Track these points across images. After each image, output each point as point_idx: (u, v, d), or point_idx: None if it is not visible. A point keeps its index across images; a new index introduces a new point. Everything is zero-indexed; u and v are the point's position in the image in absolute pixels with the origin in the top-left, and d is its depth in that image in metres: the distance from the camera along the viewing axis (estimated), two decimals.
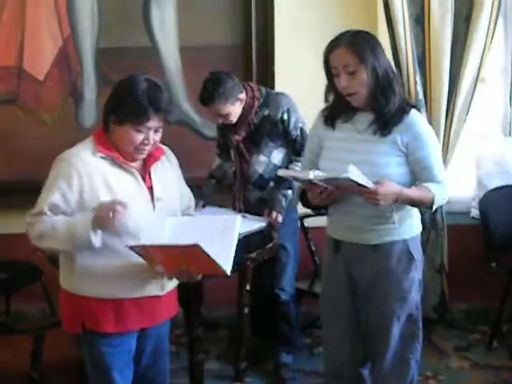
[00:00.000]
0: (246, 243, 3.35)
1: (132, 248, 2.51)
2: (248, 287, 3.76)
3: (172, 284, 2.77)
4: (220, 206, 3.89)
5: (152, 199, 2.67)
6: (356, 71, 2.75)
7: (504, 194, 4.43)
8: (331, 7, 4.35)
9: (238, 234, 2.67)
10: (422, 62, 4.19)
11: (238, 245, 2.62)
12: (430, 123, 4.13)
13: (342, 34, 2.82)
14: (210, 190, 4.05)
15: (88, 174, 2.56)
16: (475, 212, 4.60)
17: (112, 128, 2.61)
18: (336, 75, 2.79)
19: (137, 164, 2.69)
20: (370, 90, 2.78)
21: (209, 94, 3.64)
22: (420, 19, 4.15)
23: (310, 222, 4.30)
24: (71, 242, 2.51)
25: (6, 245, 4.28)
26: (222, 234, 2.60)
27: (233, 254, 2.55)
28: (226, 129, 3.90)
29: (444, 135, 4.29)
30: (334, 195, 2.76)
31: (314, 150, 3.02)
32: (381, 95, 2.79)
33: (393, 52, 4.14)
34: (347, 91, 2.79)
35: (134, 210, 2.54)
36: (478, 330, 4.55)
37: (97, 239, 2.50)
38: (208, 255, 2.41)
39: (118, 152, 2.63)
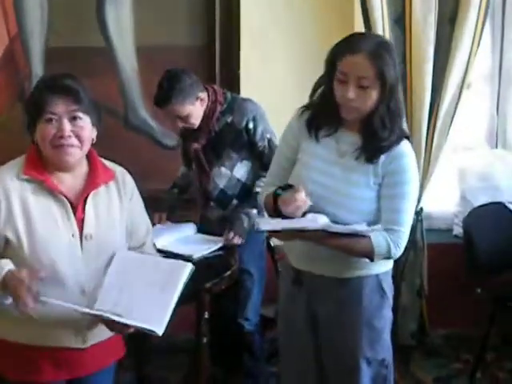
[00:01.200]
0: (205, 267, 3.11)
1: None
2: (206, 315, 3.38)
3: (99, 336, 2.39)
4: (187, 220, 3.69)
5: (80, 236, 2.30)
6: (369, 86, 2.40)
7: (490, 212, 4.13)
8: (303, 6, 4.07)
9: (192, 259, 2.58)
10: (403, 66, 3.89)
11: (195, 270, 2.34)
12: (410, 132, 3.89)
13: (361, 37, 2.53)
14: (172, 201, 3.79)
15: (6, 199, 2.23)
16: (458, 230, 4.35)
17: (36, 140, 2.30)
18: (342, 82, 2.42)
19: (72, 189, 2.32)
20: (373, 110, 2.44)
21: (165, 93, 3.34)
22: (400, 20, 3.89)
23: (276, 241, 3.92)
24: None
25: None
26: (165, 283, 2.29)
27: (171, 308, 2.23)
28: (187, 134, 3.60)
29: (426, 145, 4.05)
30: None
31: (282, 162, 2.71)
32: (384, 120, 2.45)
33: None
34: (350, 104, 2.43)
35: (54, 248, 2.24)
36: (460, 358, 4.28)
37: (8, 300, 2.18)
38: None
39: (48, 173, 2.29)
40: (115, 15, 4.19)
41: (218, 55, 4.11)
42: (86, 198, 2.32)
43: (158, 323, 2.17)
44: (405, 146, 2.51)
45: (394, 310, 3.79)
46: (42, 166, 2.30)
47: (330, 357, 2.66)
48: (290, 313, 2.74)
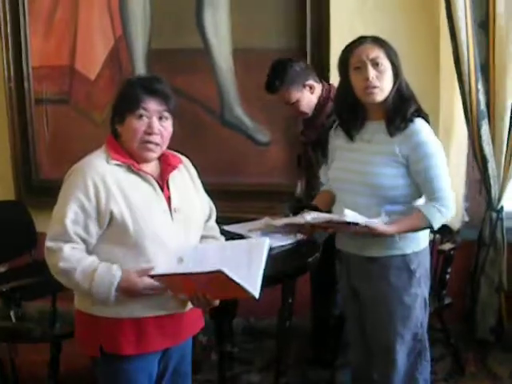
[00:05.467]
0: (288, 254, 3.29)
1: (154, 277, 2.39)
2: (290, 300, 3.58)
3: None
4: None
5: (170, 210, 2.53)
6: (383, 64, 2.69)
7: None
8: (391, 11, 4.15)
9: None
10: (486, 69, 3.99)
11: (280, 255, 2.70)
12: (492, 134, 3.98)
13: (361, 37, 2.78)
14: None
15: (103, 183, 2.43)
16: None
17: (119, 132, 2.52)
18: (357, 68, 2.72)
19: (154, 172, 2.57)
20: (391, 93, 2.73)
21: (270, 80, 3.48)
22: (484, 24, 3.94)
23: None
24: (89, 293, 2.41)
25: None
26: (249, 260, 2.46)
27: (260, 278, 2.40)
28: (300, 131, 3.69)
29: (507, 146, 4.08)
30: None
31: (329, 160, 3.05)
32: (403, 100, 2.73)
33: (455, 60, 3.94)
34: (373, 83, 2.70)
35: (153, 219, 2.46)
36: None
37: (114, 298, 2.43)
38: (233, 280, 2.29)
39: (133, 159, 2.52)
40: (213, 19, 4.37)
41: (309, 57, 4.18)
42: (167, 179, 2.57)
43: (253, 288, 2.33)
44: (417, 124, 2.74)
45: (472, 302, 3.92)
46: (125, 152, 2.51)
47: (370, 329, 2.92)
48: (341, 285, 3.07)
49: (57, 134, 4.79)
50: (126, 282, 2.40)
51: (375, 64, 2.68)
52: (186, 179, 2.67)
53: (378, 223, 2.65)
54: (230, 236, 3.34)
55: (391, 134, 2.73)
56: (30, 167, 4.88)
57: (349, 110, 2.83)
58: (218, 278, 2.28)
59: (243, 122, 4.48)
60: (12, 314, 4.04)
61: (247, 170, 4.48)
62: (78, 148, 4.46)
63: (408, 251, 2.81)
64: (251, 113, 4.44)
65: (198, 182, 2.74)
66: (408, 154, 2.72)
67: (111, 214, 2.42)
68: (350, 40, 3.96)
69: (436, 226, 2.75)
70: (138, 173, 2.50)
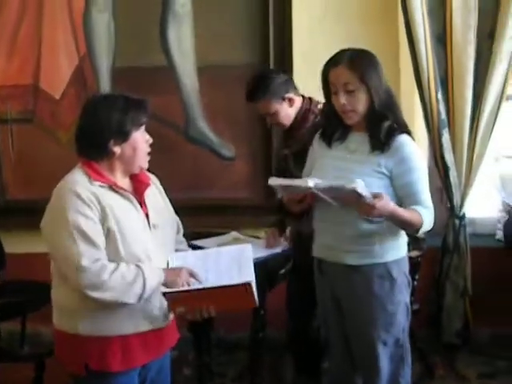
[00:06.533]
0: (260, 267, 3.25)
1: (165, 294, 2.47)
2: (262, 312, 3.58)
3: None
4: None
5: (149, 226, 2.59)
6: (355, 90, 2.77)
7: None
8: (351, 26, 4.24)
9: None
10: (445, 79, 4.10)
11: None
12: (453, 142, 4.08)
13: (342, 52, 2.83)
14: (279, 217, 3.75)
15: (96, 200, 2.45)
16: (501, 234, 4.50)
17: (119, 152, 2.51)
18: (334, 93, 2.81)
19: (129, 190, 2.60)
20: (367, 110, 2.80)
21: (250, 90, 3.50)
22: (442, 37, 4.05)
23: None
24: (135, 295, 2.44)
25: (25, 264, 4.21)
26: (239, 266, 2.57)
27: (253, 273, 2.50)
28: (282, 141, 3.71)
29: (467, 154, 4.19)
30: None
31: (306, 170, 3.07)
32: (378, 116, 2.80)
33: (414, 70, 4.06)
34: (344, 109, 2.80)
35: (139, 236, 2.51)
36: (505, 356, 4.35)
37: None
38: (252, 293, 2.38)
39: (113, 177, 2.55)
40: (177, 36, 4.41)
41: None
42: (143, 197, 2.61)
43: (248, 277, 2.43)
44: (403, 137, 2.82)
45: (438, 307, 4.00)
46: (104, 173, 2.52)
47: (353, 336, 2.96)
48: (320, 295, 3.08)
49: (22, 153, 4.73)
50: (173, 277, 2.51)
51: (347, 90, 2.76)
52: (156, 196, 2.73)
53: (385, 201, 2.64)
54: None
55: (373, 148, 2.81)
56: None
57: (333, 121, 2.90)
58: (236, 291, 2.38)
59: (208, 137, 4.53)
60: None
61: (213, 184, 4.52)
62: (44, 168, 4.53)
63: (389, 259, 2.87)
64: (216, 128, 4.49)
65: (166, 198, 2.80)
66: (392, 167, 2.79)
67: (108, 230, 2.45)
68: (311, 54, 4.09)
69: (421, 231, 2.83)
70: (119, 192, 2.52)
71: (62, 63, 4.56)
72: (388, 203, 2.65)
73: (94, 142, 2.49)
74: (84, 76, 4.58)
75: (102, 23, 4.48)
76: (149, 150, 2.59)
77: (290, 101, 3.53)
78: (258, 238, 3.80)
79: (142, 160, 2.58)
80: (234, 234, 3.84)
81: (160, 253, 2.59)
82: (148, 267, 2.47)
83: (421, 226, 2.79)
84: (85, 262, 2.36)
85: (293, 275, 3.64)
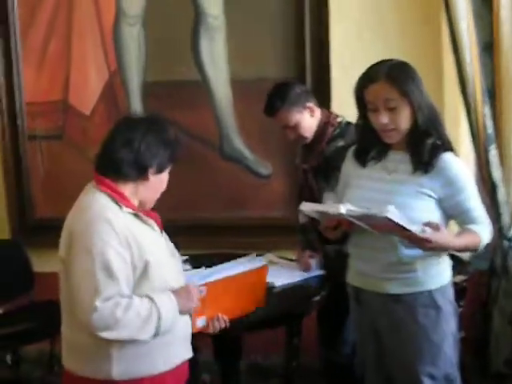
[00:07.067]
0: (293, 293, 3.23)
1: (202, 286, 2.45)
2: (296, 340, 3.41)
3: None
4: None
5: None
6: (397, 107, 2.58)
7: None
8: (392, 37, 4.07)
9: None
10: (492, 91, 3.87)
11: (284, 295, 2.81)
12: (501, 159, 3.87)
13: (376, 65, 2.64)
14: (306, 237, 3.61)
15: (128, 231, 2.29)
16: None
17: (146, 179, 2.38)
18: (373, 110, 2.61)
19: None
20: (411, 126, 2.61)
21: (271, 101, 3.35)
22: (489, 46, 3.84)
23: None
24: (152, 329, 2.27)
25: (49, 283, 4.11)
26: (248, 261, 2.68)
27: None
28: (301, 156, 3.55)
29: None
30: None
31: (340, 188, 2.91)
32: (421, 133, 2.61)
33: (459, 82, 3.83)
34: (387, 128, 2.61)
35: (170, 267, 2.42)
36: None
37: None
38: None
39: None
40: (209, 49, 4.30)
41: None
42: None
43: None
44: (448, 156, 2.63)
45: (485, 334, 3.81)
46: (128, 198, 2.38)
47: (396, 372, 2.76)
48: (357, 327, 2.93)
49: (51, 171, 4.69)
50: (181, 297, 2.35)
51: (388, 107, 2.58)
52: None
53: (439, 232, 2.48)
54: None
55: (416, 169, 2.63)
56: (24, 205, 4.78)
57: (369, 139, 2.73)
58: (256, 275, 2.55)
59: (243, 154, 4.39)
60: (8, 358, 3.95)
61: (248, 203, 4.38)
62: (74, 185, 4.34)
63: (433, 286, 2.68)
64: (251, 145, 4.36)
65: None
66: (438, 189, 2.61)
67: (146, 263, 2.30)
68: (351, 68, 3.91)
69: (483, 245, 2.68)
70: (142, 219, 2.39)
71: (91, 78, 4.51)
72: (446, 236, 2.51)
73: (138, 161, 2.34)
74: (114, 91, 4.51)
75: (133, 37, 4.41)
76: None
77: (312, 111, 3.38)
78: (293, 260, 3.64)
79: (156, 198, 2.47)
80: (269, 256, 3.68)
81: (182, 281, 2.47)
82: (159, 297, 2.30)
83: (479, 246, 2.66)
84: (97, 303, 2.20)
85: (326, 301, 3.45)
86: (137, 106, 4.44)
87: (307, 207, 2.69)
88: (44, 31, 4.53)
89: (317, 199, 3.26)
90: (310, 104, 3.39)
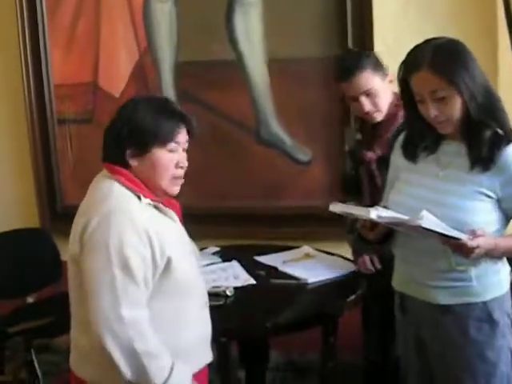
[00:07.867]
0: (329, 290, 3.03)
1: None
2: (332, 339, 3.23)
3: None
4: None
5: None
6: (446, 97, 2.27)
7: None
8: (440, 13, 3.79)
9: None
10: None
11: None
12: None
13: (420, 48, 2.33)
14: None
15: (150, 225, 2.11)
16: None
17: (135, 166, 2.17)
18: (420, 101, 2.33)
19: None
20: (464, 114, 2.29)
21: (351, 61, 2.99)
22: None
23: None
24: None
25: None
26: None
27: None
28: (361, 147, 3.18)
29: None
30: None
31: (390, 180, 2.62)
32: (477, 124, 2.29)
33: None
34: (437, 120, 2.31)
35: (192, 263, 2.25)
36: None
37: None
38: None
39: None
40: (244, 27, 4.10)
41: None
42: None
43: None
44: (510, 150, 2.30)
45: None
46: (147, 188, 2.19)
47: None
48: (401, 336, 2.64)
49: (81, 156, 4.56)
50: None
51: (436, 98, 2.28)
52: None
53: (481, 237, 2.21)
54: (259, 268, 3.17)
55: (474, 165, 2.32)
56: (54, 192, 4.67)
57: (419, 128, 2.43)
58: None
59: (281, 139, 4.16)
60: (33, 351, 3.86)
61: (285, 192, 4.17)
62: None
63: (489, 297, 2.37)
64: (289, 129, 4.12)
65: None
66: (498, 187, 2.31)
67: (168, 260, 2.11)
68: (395, 49, 3.63)
69: None
70: (164, 212, 2.21)
71: (121, 59, 4.35)
72: (487, 240, 2.23)
73: (136, 133, 2.16)
74: (145, 72, 4.34)
75: (164, 14, 4.22)
76: (179, 174, 2.22)
77: (391, 81, 2.98)
78: (331, 254, 3.43)
79: (169, 186, 2.22)
80: (305, 248, 3.49)
81: (201, 277, 2.32)
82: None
83: None
84: (125, 312, 2.01)
85: (371, 302, 3.20)
86: (168, 87, 4.27)
87: (337, 208, 2.42)
88: (72, 11, 4.41)
89: (379, 193, 2.91)
90: (390, 76, 3.02)
